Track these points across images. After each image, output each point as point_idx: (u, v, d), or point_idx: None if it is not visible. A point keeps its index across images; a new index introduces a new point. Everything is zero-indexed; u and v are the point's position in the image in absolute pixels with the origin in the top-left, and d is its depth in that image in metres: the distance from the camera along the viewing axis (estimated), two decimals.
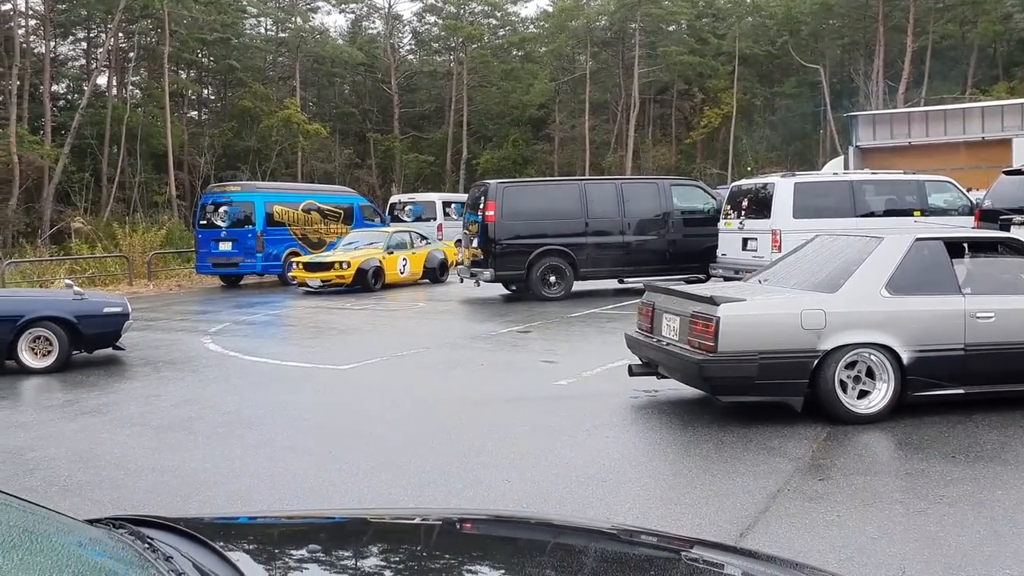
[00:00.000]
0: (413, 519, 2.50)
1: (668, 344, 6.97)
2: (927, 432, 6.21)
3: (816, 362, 6.39)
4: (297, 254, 20.78)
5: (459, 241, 24.33)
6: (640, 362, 7.64)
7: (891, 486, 5.12)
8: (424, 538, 2.19)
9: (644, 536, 2.60)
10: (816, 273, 7.14)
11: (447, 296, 17.93)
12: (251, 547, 1.87)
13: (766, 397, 6.58)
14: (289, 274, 19.86)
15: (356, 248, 19.85)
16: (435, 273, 21.09)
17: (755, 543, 4.30)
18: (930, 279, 6.76)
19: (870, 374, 6.52)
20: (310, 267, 19.02)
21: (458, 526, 2.39)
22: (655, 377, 7.54)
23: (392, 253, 19.83)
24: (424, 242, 21.54)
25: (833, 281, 6.78)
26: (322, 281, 18.72)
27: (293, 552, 1.92)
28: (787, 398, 6.52)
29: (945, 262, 6.83)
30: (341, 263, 18.66)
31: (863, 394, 6.52)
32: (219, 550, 1.71)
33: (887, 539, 4.31)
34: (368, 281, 18.77)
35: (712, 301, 6.44)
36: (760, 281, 7.74)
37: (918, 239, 6.89)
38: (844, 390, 6.46)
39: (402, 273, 20.03)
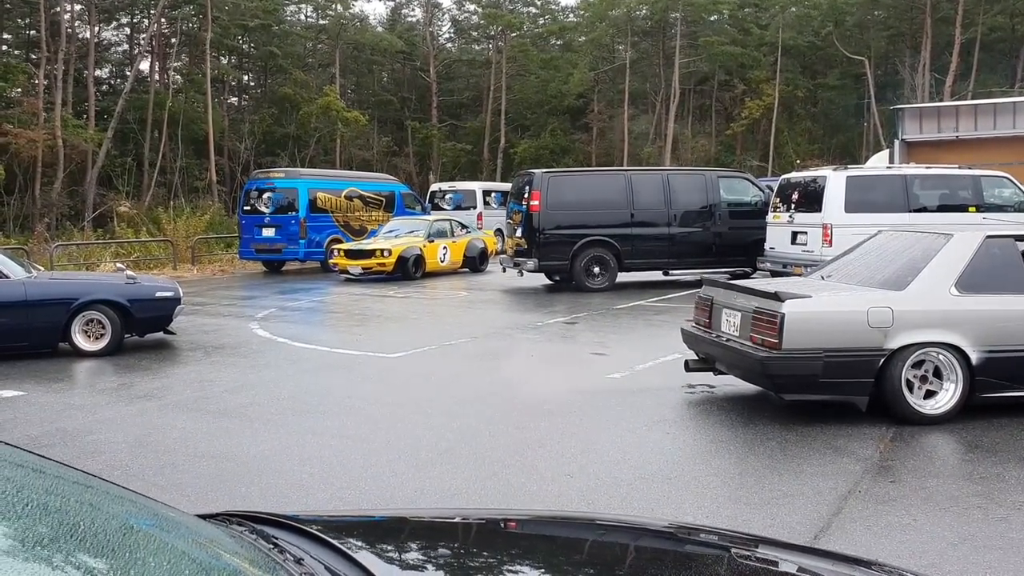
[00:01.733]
0: (525, 519, 2.44)
1: (728, 340, 6.86)
2: (997, 435, 6.05)
3: (882, 361, 6.25)
4: (339, 241, 20.83)
5: (499, 230, 24.32)
6: (697, 357, 7.53)
7: (966, 490, 4.98)
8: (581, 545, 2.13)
9: (703, 534, 2.52)
10: (882, 270, 6.98)
11: (489, 285, 17.87)
12: (375, 548, 1.81)
13: (830, 396, 6.46)
14: (330, 261, 19.86)
15: (397, 236, 19.84)
16: (475, 262, 21.06)
17: (832, 545, 4.20)
18: (1001, 278, 6.58)
19: (937, 374, 6.37)
20: (351, 254, 19.03)
21: (504, 525, 2.33)
22: (712, 373, 7.43)
23: (433, 241, 19.83)
24: (464, 231, 21.49)
25: (900, 279, 6.62)
26: (363, 268, 18.72)
27: (419, 554, 1.87)
28: (852, 397, 6.38)
29: (1017, 260, 6.65)
30: (382, 251, 18.66)
31: (930, 394, 6.36)
32: (346, 551, 1.65)
33: (968, 545, 4.19)
34: (409, 269, 18.79)
35: (777, 297, 6.31)
36: (823, 277, 7.59)
37: (989, 236, 6.70)
38: (910, 390, 6.31)
39: (442, 262, 20.02)
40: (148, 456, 5.91)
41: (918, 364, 6.32)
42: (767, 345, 6.28)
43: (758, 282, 8.29)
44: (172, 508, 1.79)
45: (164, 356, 9.82)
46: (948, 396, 6.34)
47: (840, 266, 7.70)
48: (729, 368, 7.06)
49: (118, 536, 1.34)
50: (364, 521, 2.47)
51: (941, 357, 6.32)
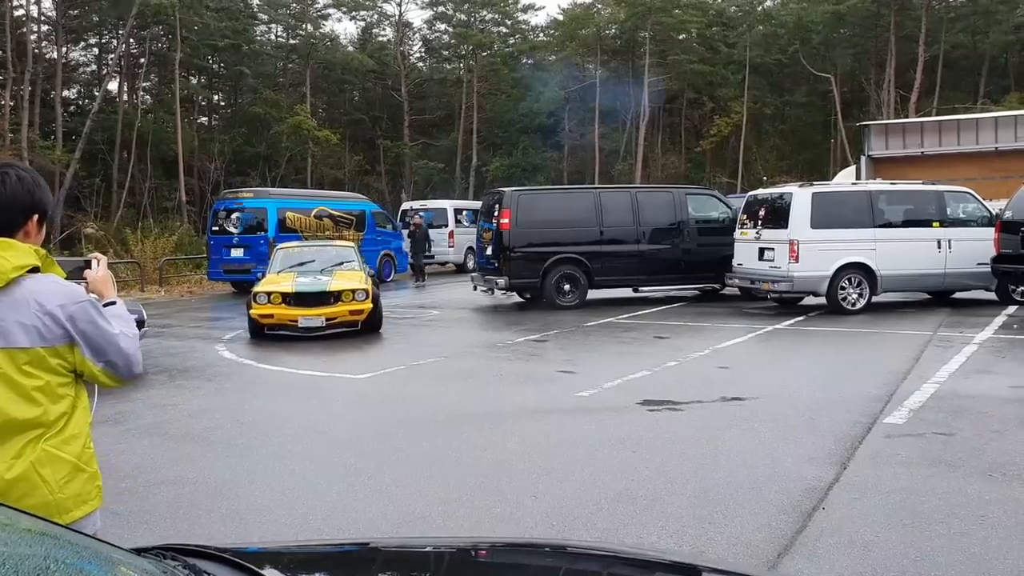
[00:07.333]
0: (463, 547, 2.41)
1: None
2: (960, 449, 6.09)
3: None
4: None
5: (470, 248, 24.37)
6: None
7: (928, 505, 4.99)
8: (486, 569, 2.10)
9: (672, 563, 2.49)
10: None
11: (460, 304, 17.81)
12: None
13: None
14: (252, 312, 12.91)
15: (324, 272, 14.06)
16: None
17: (795, 564, 4.20)
18: None
19: None
20: (300, 301, 12.91)
21: (475, 554, 2.31)
22: None
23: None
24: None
25: None
26: (327, 320, 12.87)
27: None
28: None
29: None
30: (352, 292, 13.03)
31: None
32: None
33: (929, 562, 4.19)
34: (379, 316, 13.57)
35: None
36: None
37: None
38: None
39: None
40: (106, 483, 5.71)
41: None
42: None
43: None
44: (102, 542, 1.75)
45: None
46: None
47: None
48: None
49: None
50: (314, 553, 2.43)
51: None
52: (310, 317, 12.77)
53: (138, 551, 1.79)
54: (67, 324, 2.34)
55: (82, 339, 2.37)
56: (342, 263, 14.55)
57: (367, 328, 13.17)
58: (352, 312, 12.97)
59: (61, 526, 1.67)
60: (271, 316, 12.79)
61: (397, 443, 6.67)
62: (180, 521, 5.06)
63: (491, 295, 17.38)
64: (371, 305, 13.07)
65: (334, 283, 13.22)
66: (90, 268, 2.69)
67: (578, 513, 5.00)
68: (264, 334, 13.00)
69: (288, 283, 13.23)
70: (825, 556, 4.29)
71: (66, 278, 2.50)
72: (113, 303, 2.60)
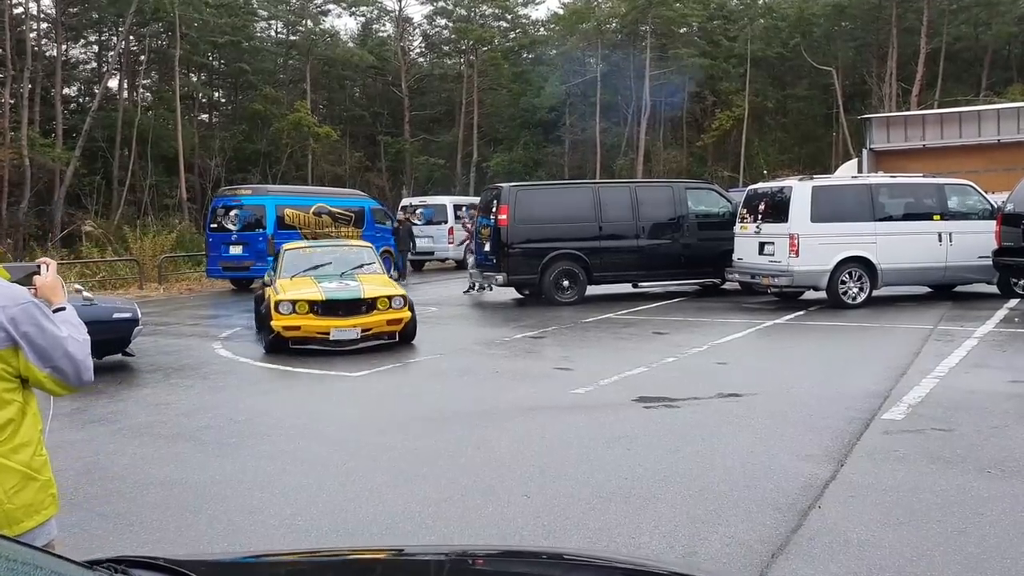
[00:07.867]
0: (426, 556, 2.34)
1: None
2: (958, 445, 6.01)
3: None
4: None
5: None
6: None
7: (926, 503, 4.92)
8: None
9: (669, 573, 2.42)
10: None
11: (458, 300, 17.72)
12: None
13: None
14: (274, 323, 11.04)
15: (346, 276, 12.40)
16: None
17: (789, 564, 4.13)
18: None
19: None
20: (327, 309, 11.16)
21: (471, 562, 2.25)
22: None
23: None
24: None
25: None
26: (362, 331, 11.23)
27: None
28: None
29: None
30: (389, 298, 11.42)
31: None
32: None
33: (926, 561, 4.12)
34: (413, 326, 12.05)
35: None
36: None
37: None
38: None
39: None
40: (95, 484, 5.74)
41: None
42: None
43: None
44: (50, 555, 1.68)
45: (121, 379, 9.61)
46: None
47: None
48: None
49: None
50: (287, 563, 2.36)
51: None
52: (344, 329, 11.05)
53: (90, 564, 1.72)
54: (8, 327, 2.26)
55: (25, 342, 2.28)
56: (361, 265, 12.92)
57: (403, 339, 11.63)
58: (390, 322, 11.35)
59: (4, 538, 1.59)
60: (297, 328, 10.99)
61: (390, 442, 6.61)
62: (167, 523, 5.00)
63: (484, 292, 17.32)
64: (409, 314, 11.51)
65: (367, 289, 11.59)
66: (39, 273, 2.60)
67: (570, 513, 4.93)
68: (289, 348, 11.09)
69: (314, 289, 11.48)
70: (820, 556, 4.22)
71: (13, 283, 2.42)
72: (63, 309, 2.51)
